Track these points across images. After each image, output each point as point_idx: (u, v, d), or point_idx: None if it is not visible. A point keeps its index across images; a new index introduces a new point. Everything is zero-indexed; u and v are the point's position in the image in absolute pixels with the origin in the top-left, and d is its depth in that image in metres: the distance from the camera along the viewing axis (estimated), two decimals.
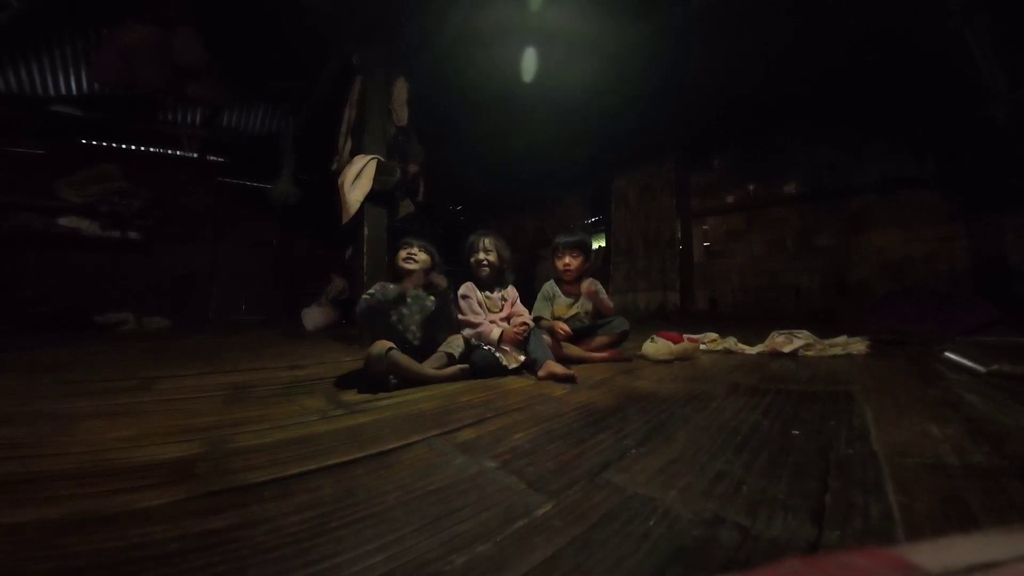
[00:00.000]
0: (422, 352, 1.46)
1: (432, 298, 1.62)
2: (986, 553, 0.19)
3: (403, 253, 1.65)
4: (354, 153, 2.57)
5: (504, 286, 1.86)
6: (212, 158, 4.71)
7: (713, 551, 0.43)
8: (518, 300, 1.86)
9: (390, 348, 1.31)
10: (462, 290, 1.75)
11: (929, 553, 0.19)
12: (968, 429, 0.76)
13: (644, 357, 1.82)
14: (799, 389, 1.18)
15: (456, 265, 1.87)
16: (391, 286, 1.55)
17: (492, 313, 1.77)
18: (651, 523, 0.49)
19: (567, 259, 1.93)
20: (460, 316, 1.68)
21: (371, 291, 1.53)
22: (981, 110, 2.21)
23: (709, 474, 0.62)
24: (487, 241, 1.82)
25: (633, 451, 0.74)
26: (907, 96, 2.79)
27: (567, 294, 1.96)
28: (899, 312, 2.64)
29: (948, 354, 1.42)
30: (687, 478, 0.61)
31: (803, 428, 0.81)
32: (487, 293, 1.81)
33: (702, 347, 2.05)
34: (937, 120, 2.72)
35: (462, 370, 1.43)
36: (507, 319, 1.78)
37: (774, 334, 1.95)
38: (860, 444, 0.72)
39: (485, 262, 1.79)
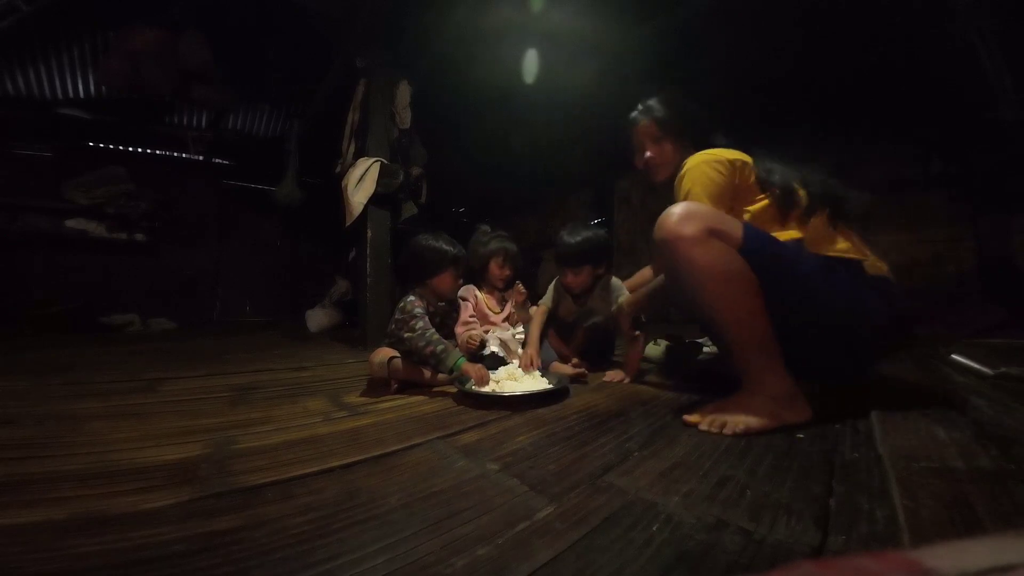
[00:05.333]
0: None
1: (454, 315, 1.63)
2: (1002, 556, 0.19)
3: (453, 284, 1.51)
4: (357, 156, 2.58)
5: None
6: (217, 160, 4.74)
7: (716, 556, 0.43)
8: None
9: (392, 356, 1.31)
10: (461, 292, 1.74)
11: (943, 556, 0.19)
12: (975, 433, 0.75)
13: (647, 359, 1.81)
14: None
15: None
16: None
17: (493, 314, 1.77)
18: (654, 528, 0.49)
19: (569, 277, 1.58)
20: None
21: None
22: (987, 111, 2.20)
23: (712, 479, 0.62)
24: (510, 256, 1.76)
25: (636, 454, 0.73)
26: (912, 97, 2.77)
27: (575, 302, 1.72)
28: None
29: (955, 356, 1.41)
30: (690, 483, 0.61)
31: (807, 431, 0.81)
32: (488, 293, 1.81)
33: (705, 349, 2.04)
34: (943, 121, 2.70)
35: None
36: (507, 318, 1.78)
37: None
38: (865, 448, 0.72)
39: (504, 277, 1.77)
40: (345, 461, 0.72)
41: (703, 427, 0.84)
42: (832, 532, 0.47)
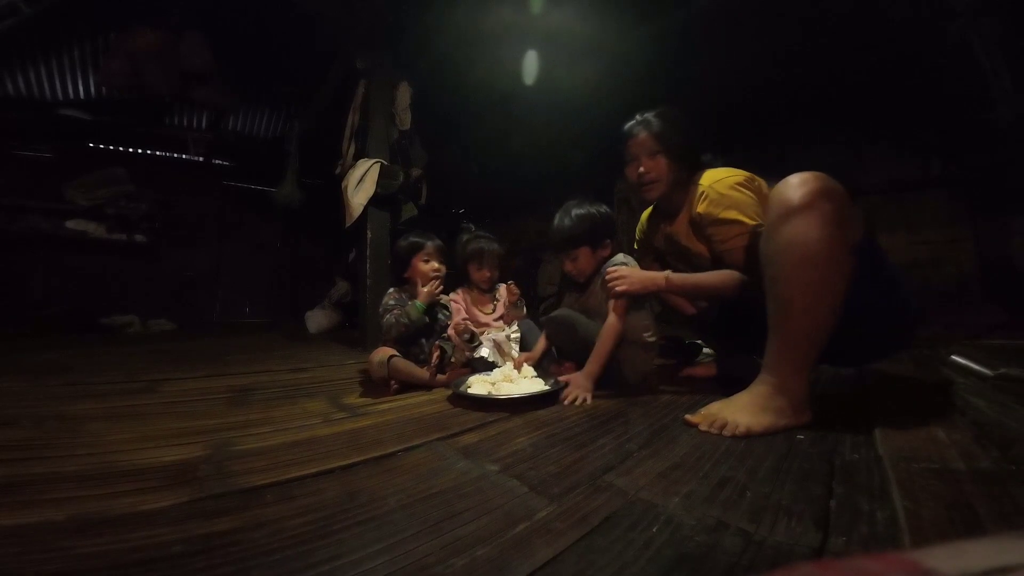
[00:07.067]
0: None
1: (447, 310, 1.63)
2: (1002, 557, 0.19)
3: (427, 268, 1.54)
4: (357, 157, 2.58)
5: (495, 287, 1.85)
6: (217, 161, 4.74)
7: (716, 557, 0.43)
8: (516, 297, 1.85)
9: (392, 355, 1.31)
10: (451, 295, 1.74)
11: (944, 557, 0.19)
12: (975, 434, 0.75)
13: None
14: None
15: (453, 267, 1.85)
16: (417, 307, 1.45)
17: (484, 315, 1.77)
18: (654, 529, 0.49)
19: (567, 265, 1.42)
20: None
21: (405, 318, 1.42)
22: (986, 111, 2.20)
23: (713, 480, 0.62)
24: (493, 257, 1.76)
25: (636, 455, 0.73)
26: (912, 98, 2.78)
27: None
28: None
29: (955, 357, 1.41)
30: (690, 484, 0.61)
31: (807, 432, 0.81)
32: (477, 294, 1.80)
33: (704, 350, 2.04)
34: (942, 122, 2.70)
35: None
36: (500, 318, 1.78)
37: None
38: (865, 449, 0.71)
39: (485, 279, 1.77)
40: (345, 462, 0.72)
41: (703, 428, 0.83)
42: (832, 533, 0.46)
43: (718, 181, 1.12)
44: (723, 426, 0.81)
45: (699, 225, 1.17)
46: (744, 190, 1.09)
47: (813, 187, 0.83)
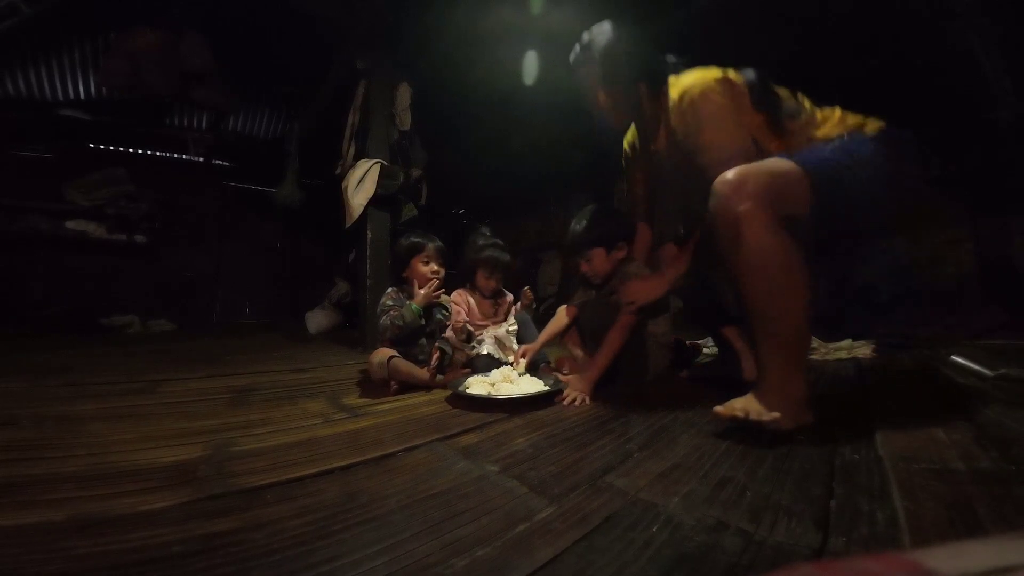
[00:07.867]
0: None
1: (446, 311, 1.62)
2: (1002, 558, 0.19)
3: (426, 269, 1.53)
4: (358, 157, 2.58)
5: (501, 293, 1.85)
6: (217, 162, 4.74)
7: (716, 557, 0.43)
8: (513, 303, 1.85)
9: (392, 356, 1.32)
10: (453, 296, 1.73)
11: (944, 558, 0.19)
12: (975, 434, 0.75)
13: None
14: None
15: (455, 267, 1.85)
16: (413, 309, 1.44)
17: (483, 317, 1.77)
18: (654, 529, 0.49)
19: (583, 266, 1.42)
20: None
21: (400, 320, 1.41)
22: (986, 111, 2.20)
23: (712, 480, 0.62)
24: (498, 267, 1.75)
25: (636, 455, 0.73)
26: (912, 98, 2.78)
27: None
28: (905, 315, 2.62)
29: (954, 358, 1.41)
30: (690, 484, 0.61)
31: (807, 432, 0.80)
32: (478, 298, 1.80)
33: (705, 350, 2.04)
34: (942, 122, 2.70)
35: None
36: (500, 321, 1.78)
37: None
38: (865, 450, 0.71)
39: (491, 287, 1.77)
40: (345, 463, 0.72)
41: (740, 416, 0.80)
42: (833, 534, 0.47)
43: (686, 91, 1.00)
44: (760, 413, 0.79)
45: (677, 140, 1.08)
46: (717, 96, 0.96)
47: (729, 196, 0.82)
